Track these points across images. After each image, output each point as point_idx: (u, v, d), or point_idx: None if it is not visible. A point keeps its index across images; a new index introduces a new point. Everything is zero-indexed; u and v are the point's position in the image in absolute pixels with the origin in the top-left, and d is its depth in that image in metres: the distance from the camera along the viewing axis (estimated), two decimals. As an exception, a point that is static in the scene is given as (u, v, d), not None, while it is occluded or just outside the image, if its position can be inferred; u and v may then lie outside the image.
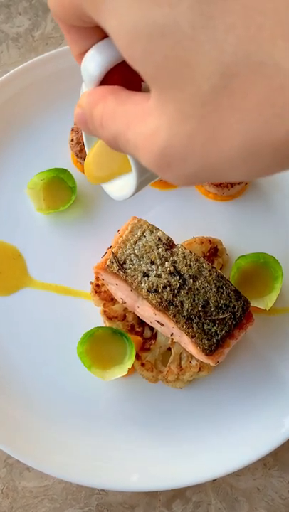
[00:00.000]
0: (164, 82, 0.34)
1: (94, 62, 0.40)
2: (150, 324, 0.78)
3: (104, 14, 0.34)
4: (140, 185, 0.50)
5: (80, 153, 0.88)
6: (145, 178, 0.49)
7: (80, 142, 0.87)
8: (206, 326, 0.70)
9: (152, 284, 0.71)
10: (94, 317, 0.82)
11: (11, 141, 0.93)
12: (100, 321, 0.82)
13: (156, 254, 0.72)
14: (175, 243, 0.74)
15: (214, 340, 0.70)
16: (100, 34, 0.41)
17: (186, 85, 0.33)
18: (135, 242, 0.73)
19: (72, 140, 0.88)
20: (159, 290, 0.70)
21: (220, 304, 0.71)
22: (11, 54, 1.04)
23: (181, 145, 0.35)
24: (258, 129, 0.32)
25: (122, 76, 0.41)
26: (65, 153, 0.93)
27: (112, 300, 0.81)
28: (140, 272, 0.71)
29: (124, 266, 0.72)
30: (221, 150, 0.34)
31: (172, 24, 0.31)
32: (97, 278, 0.82)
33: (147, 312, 0.74)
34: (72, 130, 0.89)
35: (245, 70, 0.30)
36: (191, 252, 0.73)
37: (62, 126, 0.93)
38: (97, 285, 0.82)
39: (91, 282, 0.82)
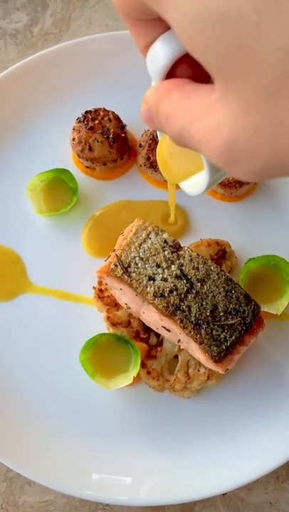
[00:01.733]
0: (228, 72, 0.34)
1: (160, 52, 0.41)
2: (156, 330, 0.78)
3: (166, 5, 0.35)
4: (212, 182, 0.50)
5: (82, 153, 0.88)
6: (219, 174, 0.49)
7: (81, 141, 0.87)
8: (214, 332, 0.69)
9: (158, 288, 0.70)
10: (97, 323, 0.82)
11: (10, 141, 0.94)
12: (104, 328, 0.82)
13: (161, 257, 0.72)
14: (181, 245, 0.74)
15: (223, 347, 0.69)
16: (164, 26, 0.41)
17: (250, 74, 0.32)
18: (140, 245, 0.73)
19: (73, 139, 0.88)
20: (166, 294, 0.70)
21: (229, 309, 0.70)
22: (9, 51, 1.04)
23: (247, 139, 0.35)
24: None
25: (189, 68, 0.41)
26: (66, 153, 0.93)
27: (116, 305, 0.81)
28: (145, 275, 0.71)
29: (129, 269, 0.72)
30: None
31: (235, 11, 0.31)
32: (100, 282, 0.82)
33: (153, 318, 0.74)
34: (74, 129, 0.89)
35: None
36: (198, 254, 0.73)
37: (63, 125, 0.93)
38: (100, 290, 0.82)
39: (94, 287, 0.82)
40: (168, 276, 0.71)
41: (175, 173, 0.57)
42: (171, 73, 0.42)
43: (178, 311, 0.70)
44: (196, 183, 0.53)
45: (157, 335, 0.81)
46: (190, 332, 0.69)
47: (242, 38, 0.31)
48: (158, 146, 0.57)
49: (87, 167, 0.92)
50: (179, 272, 0.71)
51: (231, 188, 0.87)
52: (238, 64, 0.32)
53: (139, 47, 0.43)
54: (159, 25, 0.41)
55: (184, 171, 0.55)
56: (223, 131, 0.35)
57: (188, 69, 0.41)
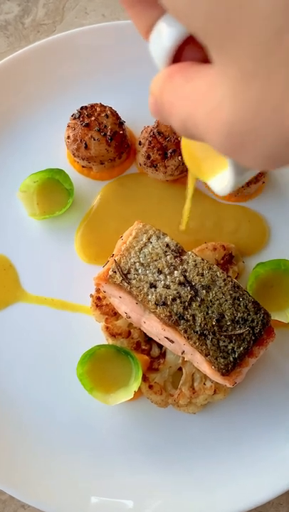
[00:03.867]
0: (217, 35, 0.30)
1: (163, 34, 0.38)
2: (158, 341, 0.78)
3: None
4: (240, 179, 0.46)
5: (77, 152, 0.88)
6: (248, 170, 0.45)
7: (76, 139, 0.87)
8: (221, 343, 0.69)
9: (160, 295, 0.70)
10: (95, 334, 0.82)
11: (0, 140, 0.93)
12: (102, 339, 0.81)
13: (163, 262, 0.72)
14: (185, 250, 0.74)
15: (231, 359, 0.69)
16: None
17: (243, 34, 0.29)
18: (140, 250, 0.73)
19: (68, 137, 0.88)
20: (168, 303, 0.70)
21: (237, 318, 0.70)
22: None
23: (251, 116, 0.31)
24: None
25: (198, 50, 0.38)
26: (60, 152, 0.93)
27: (115, 315, 0.80)
28: (146, 282, 0.71)
29: (129, 276, 0.71)
30: None
31: None
32: (98, 290, 0.81)
33: (155, 328, 0.73)
34: (69, 126, 0.89)
35: None
36: (203, 259, 0.73)
37: (57, 122, 0.93)
38: (98, 298, 0.81)
39: (91, 295, 0.82)
40: (170, 283, 0.71)
41: (203, 168, 0.52)
42: (178, 57, 0.39)
43: (182, 321, 0.69)
44: (223, 181, 0.49)
45: (160, 346, 0.80)
46: (195, 343, 0.69)
47: None
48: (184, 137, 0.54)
49: (83, 167, 0.91)
50: (182, 278, 0.71)
51: (238, 187, 0.86)
52: (227, 23, 0.29)
53: (141, 31, 0.40)
54: (159, 5, 0.38)
55: (212, 166, 0.50)
56: (223, 110, 0.32)
57: (197, 51, 0.38)
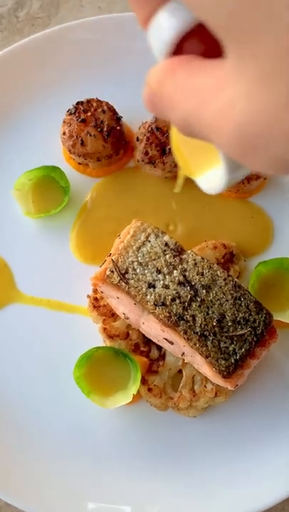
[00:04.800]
0: (240, 33, 0.30)
1: (165, 24, 0.37)
2: (157, 343, 0.77)
3: None
4: (233, 179, 0.45)
5: (73, 149, 0.87)
6: (241, 169, 0.44)
7: (72, 136, 0.87)
8: (222, 344, 0.69)
9: (159, 296, 0.70)
10: (92, 336, 0.81)
11: (-6, 136, 0.93)
12: (100, 340, 0.81)
13: (162, 261, 0.71)
14: (184, 249, 0.74)
15: (232, 361, 0.69)
16: None
17: (268, 33, 0.28)
18: (138, 249, 0.72)
19: (64, 133, 0.88)
20: (167, 303, 0.69)
21: (238, 318, 0.70)
22: (-7, 38, 1.04)
23: (266, 117, 0.30)
24: None
25: (201, 43, 0.37)
26: (56, 149, 0.92)
27: (113, 316, 0.80)
28: (145, 282, 0.70)
29: (127, 276, 0.71)
30: None
31: None
32: (95, 290, 0.81)
33: (154, 329, 0.73)
34: (64, 122, 0.88)
35: None
36: (203, 258, 0.72)
37: (52, 117, 0.92)
38: (96, 299, 0.81)
39: (88, 296, 0.81)
40: (170, 283, 0.70)
41: (191, 165, 0.51)
42: (178, 50, 0.38)
43: (181, 321, 0.69)
44: (213, 179, 0.47)
45: (159, 348, 0.80)
46: (195, 344, 0.68)
47: None
48: (172, 130, 0.51)
49: (79, 163, 0.91)
50: (181, 277, 0.71)
51: (239, 184, 0.86)
52: (253, 21, 0.29)
53: (140, 18, 0.39)
54: None
55: (200, 164, 0.49)
56: (235, 110, 0.31)
57: (199, 44, 0.37)
